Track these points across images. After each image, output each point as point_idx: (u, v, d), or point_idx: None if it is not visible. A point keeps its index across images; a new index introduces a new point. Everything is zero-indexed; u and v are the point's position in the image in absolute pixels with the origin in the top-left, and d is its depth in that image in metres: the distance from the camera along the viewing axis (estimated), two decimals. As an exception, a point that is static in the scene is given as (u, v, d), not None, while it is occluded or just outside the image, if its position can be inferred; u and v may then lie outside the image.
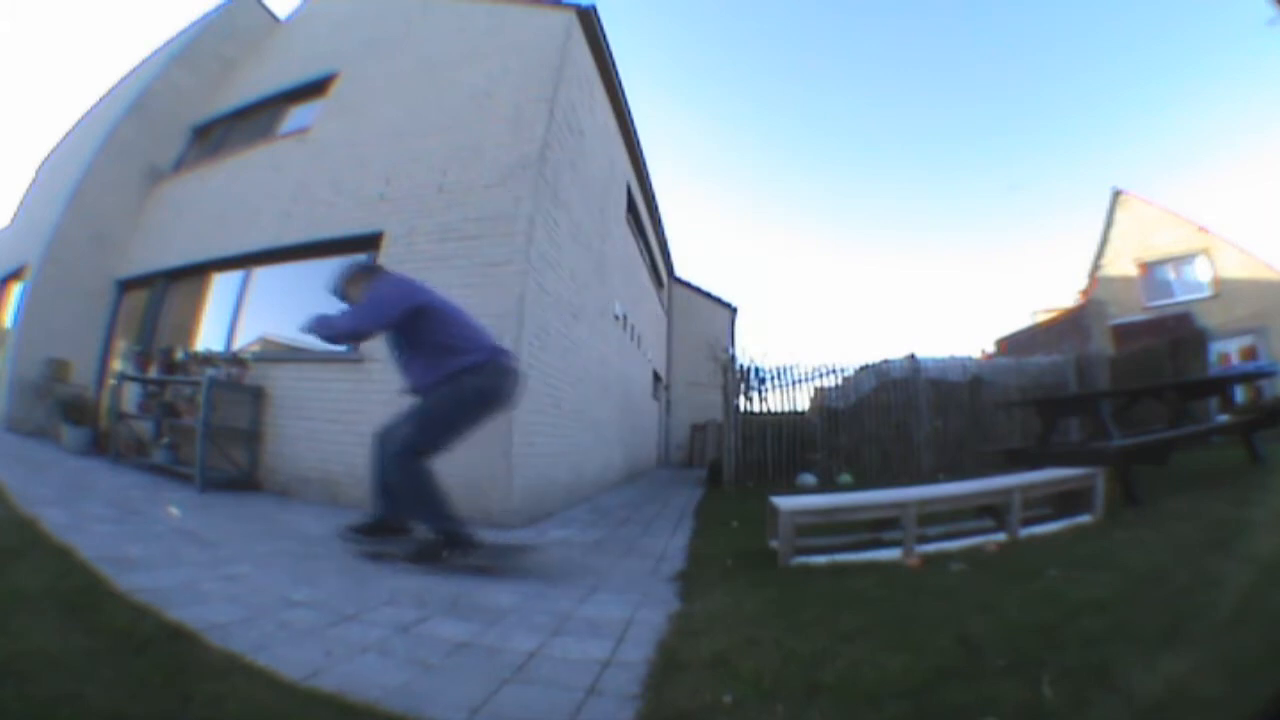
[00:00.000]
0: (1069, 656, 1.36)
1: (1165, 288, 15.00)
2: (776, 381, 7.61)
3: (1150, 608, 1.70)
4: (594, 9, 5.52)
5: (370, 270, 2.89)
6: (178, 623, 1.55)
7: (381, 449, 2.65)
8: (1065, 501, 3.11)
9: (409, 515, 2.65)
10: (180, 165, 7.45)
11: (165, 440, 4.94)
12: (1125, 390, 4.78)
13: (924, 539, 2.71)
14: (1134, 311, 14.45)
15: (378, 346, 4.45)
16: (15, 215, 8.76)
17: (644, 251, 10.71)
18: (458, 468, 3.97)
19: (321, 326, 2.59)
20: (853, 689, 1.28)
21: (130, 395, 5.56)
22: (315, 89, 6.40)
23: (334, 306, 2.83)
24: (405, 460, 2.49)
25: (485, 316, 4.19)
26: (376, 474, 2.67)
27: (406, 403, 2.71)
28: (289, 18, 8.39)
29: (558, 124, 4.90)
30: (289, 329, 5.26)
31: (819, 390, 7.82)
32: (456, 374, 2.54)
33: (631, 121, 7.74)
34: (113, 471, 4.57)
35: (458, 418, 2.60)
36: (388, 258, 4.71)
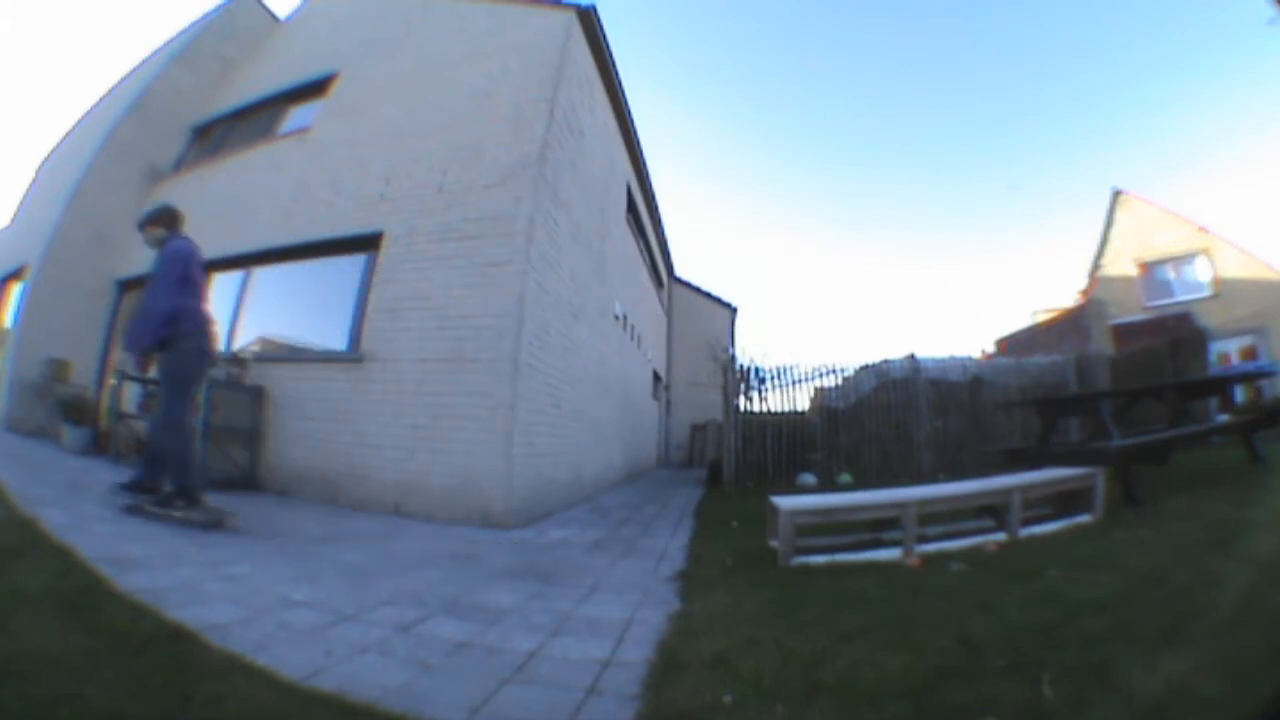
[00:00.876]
0: (1069, 656, 1.36)
1: (1165, 288, 14.98)
2: (776, 381, 7.61)
3: (1150, 608, 1.70)
4: (594, 9, 5.52)
5: (170, 219, 3.26)
6: (178, 623, 1.55)
7: (152, 422, 3.21)
8: (1065, 501, 3.11)
9: (172, 474, 3.07)
10: (180, 165, 7.45)
11: (165, 440, 4.93)
12: (1125, 390, 4.78)
13: (924, 539, 2.71)
14: (1134, 311, 14.43)
15: (378, 348, 4.46)
16: (15, 215, 8.75)
17: (644, 251, 10.70)
18: (457, 467, 4.00)
19: (136, 338, 2.99)
20: (853, 689, 1.28)
21: (130, 395, 5.55)
22: (315, 89, 6.40)
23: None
24: (172, 424, 2.98)
25: (485, 316, 4.22)
26: (149, 442, 3.18)
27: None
28: (289, 18, 8.39)
29: (558, 124, 4.90)
30: (289, 329, 5.28)
31: (819, 390, 7.82)
32: (179, 337, 2.97)
33: (631, 121, 7.74)
34: (113, 471, 4.56)
35: (196, 377, 3.14)
36: (388, 257, 4.71)
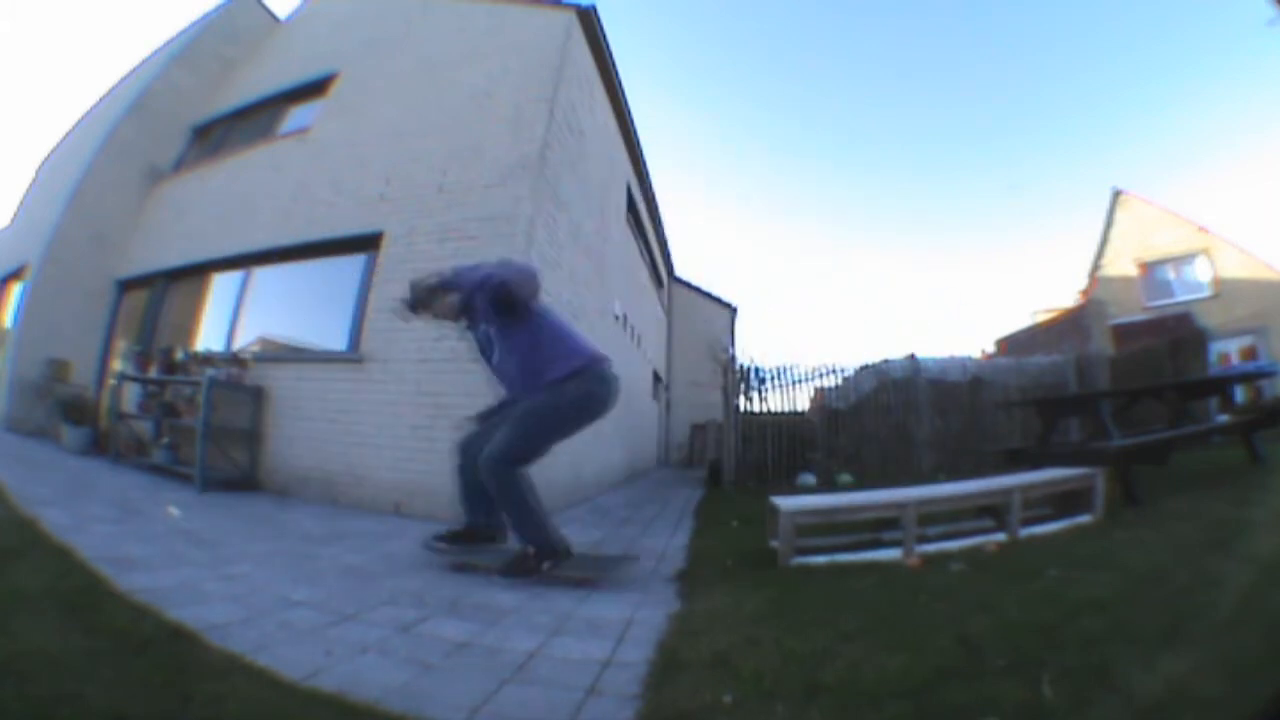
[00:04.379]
0: (1069, 656, 1.36)
1: (1165, 288, 14.99)
2: (776, 381, 7.61)
3: (1150, 608, 1.70)
4: (594, 9, 5.52)
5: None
6: (178, 623, 1.55)
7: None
8: (1065, 501, 3.10)
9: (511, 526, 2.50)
10: (180, 165, 7.45)
11: (165, 440, 4.93)
12: (1125, 390, 4.78)
13: (924, 539, 2.71)
14: (1134, 311, 14.43)
15: (378, 348, 4.46)
16: (15, 215, 8.76)
17: (644, 251, 10.70)
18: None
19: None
20: (853, 689, 1.28)
21: (130, 395, 5.56)
22: (315, 89, 6.40)
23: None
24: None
25: (485, 316, 4.21)
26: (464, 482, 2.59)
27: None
28: (289, 18, 8.39)
29: (558, 124, 4.90)
30: (289, 329, 5.28)
31: (819, 390, 7.82)
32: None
33: (631, 121, 7.73)
34: (113, 471, 4.57)
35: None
36: (388, 257, 4.71)
